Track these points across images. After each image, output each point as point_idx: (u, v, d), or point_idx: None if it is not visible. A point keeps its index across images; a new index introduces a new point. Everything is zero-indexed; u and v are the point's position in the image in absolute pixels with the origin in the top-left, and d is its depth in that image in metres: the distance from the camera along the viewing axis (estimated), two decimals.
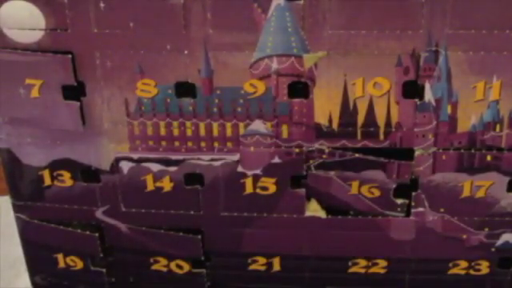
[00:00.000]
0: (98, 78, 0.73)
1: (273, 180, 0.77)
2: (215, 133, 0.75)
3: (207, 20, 0.69)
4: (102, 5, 0.69)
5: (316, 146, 0.75)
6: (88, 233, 0.83)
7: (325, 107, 0.72)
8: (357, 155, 0.75)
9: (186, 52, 0.71)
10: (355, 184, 0.77)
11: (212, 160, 0.77)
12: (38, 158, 0.79)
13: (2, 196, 0.91)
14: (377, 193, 0.77)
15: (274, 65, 0.71)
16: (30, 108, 0.75)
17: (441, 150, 0.74)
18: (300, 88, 0.72)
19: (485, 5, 0.66)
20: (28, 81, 0.74)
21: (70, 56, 0.72)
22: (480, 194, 0.76)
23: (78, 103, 0.75)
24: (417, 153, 0.74)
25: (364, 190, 0.77)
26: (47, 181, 0.81)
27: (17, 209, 0.84)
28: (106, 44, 0.71)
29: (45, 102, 0.75)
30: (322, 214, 0.79)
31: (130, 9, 0.69)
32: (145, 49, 0.71)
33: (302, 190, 0.78)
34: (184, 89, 0.73)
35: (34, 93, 0.74)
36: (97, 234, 0.83)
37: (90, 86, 0.74)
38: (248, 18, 0.68)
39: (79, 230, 0.84)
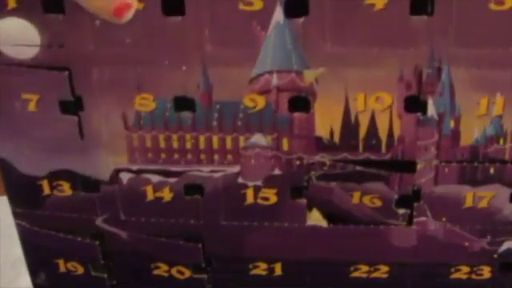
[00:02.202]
0: (95, 94, 0.72)
1: (274, 191, 0.77)
2: (215, 145, 0.75)
3: (205, 36, 0.67)
4: (97, 22, 0.67)
5: (317, 158, 0.74)
6: (88, 240, 0.83)
7: (326, 121, 0.71)
8: (358, 168, 0.74)
9: (184, 68, 0.69)
10: (357, 194, 0.76)
11: (212, 172, 0.76)
12: (36, 169, 0.79)
13: (2, 196, 0.90)
14: (378, 203, 0.76)
15: (274, 80, 0.70)
16: (27, 122, 0.74)
17: (443, 163, 0.73)
18: (301, 102, 0.71)
19: (488, 22, 0.64)
20: (24, 96, 0.73)
21: (66, 72, 0.70)
22: (482, 204, 0.75)
23: (76, 118, 0.74)
24: (419, 165, 0.73)
25: (366, 200, 0.76)
26: (46, 190, 0.80)
27: (16, 215, 0.84)
28: (103, 60, 0.70)
29: (42, 116, 0.74)
30: (323, 223, 0.79)
31: (127, 25, 0.67)
32: (142, 65, 0.70)
33: (304, 201, 0.77)
34: (183, 103, 0.72)
35: (31, 107, 0.73)
36: (97, 242, 0.83)
37: (87, 100, 0.72)
38: (247, 35, 0.67)
39: (79, 238, 0.83)
